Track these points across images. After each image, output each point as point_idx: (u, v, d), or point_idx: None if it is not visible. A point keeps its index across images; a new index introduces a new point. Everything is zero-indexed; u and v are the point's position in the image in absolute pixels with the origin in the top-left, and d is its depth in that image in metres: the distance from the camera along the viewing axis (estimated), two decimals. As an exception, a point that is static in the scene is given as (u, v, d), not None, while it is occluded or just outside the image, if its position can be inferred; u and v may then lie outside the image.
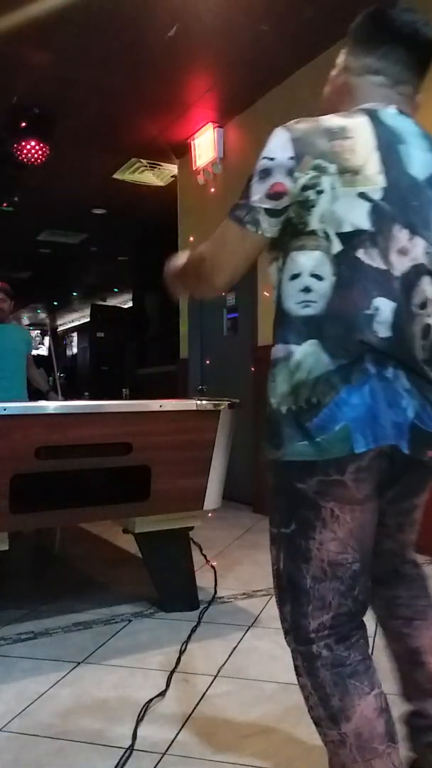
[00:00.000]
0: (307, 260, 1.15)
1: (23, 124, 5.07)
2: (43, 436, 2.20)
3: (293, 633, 1.19)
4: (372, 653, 1.22)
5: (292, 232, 1.16)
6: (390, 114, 1.23)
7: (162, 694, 1.91)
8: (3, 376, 4.22)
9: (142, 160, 6.10)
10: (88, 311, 12.50)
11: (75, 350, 16.32)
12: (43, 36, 4.03)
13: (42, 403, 2.49)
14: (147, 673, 2.06)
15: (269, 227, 1.17)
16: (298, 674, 1.20)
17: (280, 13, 3.86)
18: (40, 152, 5.21)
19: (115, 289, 12.49)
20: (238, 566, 3.22)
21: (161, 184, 6.58)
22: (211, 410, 2.43)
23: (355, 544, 1.17)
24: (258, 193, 1.17)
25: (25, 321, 17.05)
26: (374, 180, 1.14)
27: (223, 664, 2.09)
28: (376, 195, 1.14)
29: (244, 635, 2.37)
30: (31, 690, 1.96)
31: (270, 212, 1.16)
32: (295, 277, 1.16)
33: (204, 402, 2.46)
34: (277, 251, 1.21)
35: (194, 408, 2.43)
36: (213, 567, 3.16)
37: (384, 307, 1.12)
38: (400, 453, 1.12)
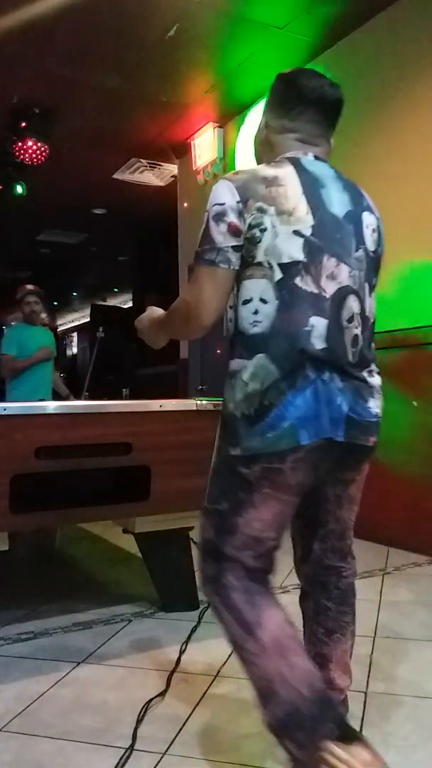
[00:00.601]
0: (256, 287, 1.37)
1: (23, 124, 5.07)
2: (43, 436, 2.20)
3: (210, 584, 1.41)
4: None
5: (244, 264, 1.39)
6: (309, 161, 1.47)
7: (162, 694, 1.91)
8: (32, 377, 4.32)
9: (142, 160, 6.11)
10: (88, 311, 12.50)
11: (75, 350, 16.33)
12: (43, 36, 4.03)
13: (42, 403, 2.49)
14: (147, 673, 2.06)
15: (237, 261, 1.38)
16: (217, 616, 1.39)
17: (281, 13, 3.86)
18: (40, 152, 5.21)
19: (115, 289, 12.49)
20: (238, 566, 3.22)
21: (161, 184, 6.58)
22: (211, 410, 2.43)
23: (276, 525, 1.39)
24: (220, 235, 1.37)
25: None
26: (305, 219, 1.38)
27: (223, 664, 2.09)
28: (307, 231, 1.37)
29: (244, 635, 2.37)
30: (31, 690, 1.96)
31: (236, 248, 1.38)
32: (247, 301, 1.38)
33: (204, 402, 2.45)
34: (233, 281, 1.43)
35: (194, 408, 2.43)
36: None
37: (318, 324, 1.35)
38: (338, 441, 1.35)
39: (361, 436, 1.40)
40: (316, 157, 1.50)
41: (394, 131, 3.82)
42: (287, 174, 1.41)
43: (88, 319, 12.69)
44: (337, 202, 1.45)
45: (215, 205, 1.39)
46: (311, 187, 1.42)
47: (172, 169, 6.20)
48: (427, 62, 3.59)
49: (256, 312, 1.37)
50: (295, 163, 1.45)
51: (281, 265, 1.36)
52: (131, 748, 1.62)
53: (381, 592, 2.89)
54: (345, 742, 1.19)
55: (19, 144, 5.14)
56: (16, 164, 5.32)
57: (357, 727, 1.71)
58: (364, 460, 1.52)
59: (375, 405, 1.45)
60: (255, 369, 1.35)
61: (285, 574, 3.15)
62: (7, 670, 2.11)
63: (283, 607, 1.38)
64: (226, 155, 5.28)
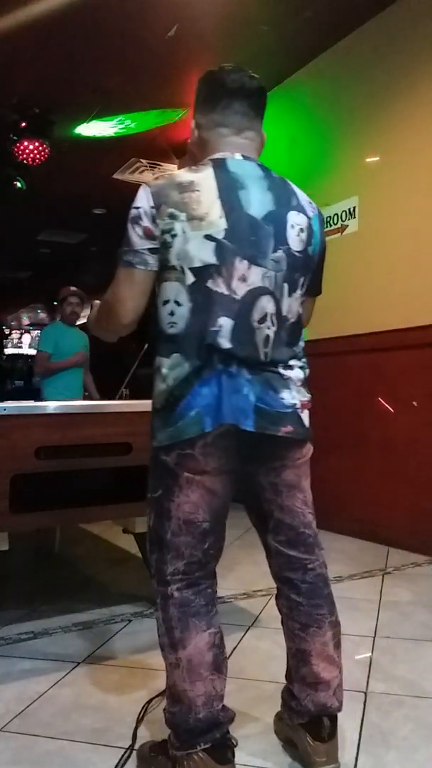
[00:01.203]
0: (171, 289, 1.44)
1: (23, 124, 5.07)
2: (43, 436, 2.20)
3: (156, 576, 1.49)
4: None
5: (161, 267, 1.45)
6: (235, 162, 1.50)
7: (162, 694, 1.89)
8: (64, 378, 4.41)
9: (142, 160, 6.10)
10: (87, 311, 12.49)
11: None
12: (43, 36, 4.03)
13: (42, 403, 2.49)
14: (147, 673, 2.06)
15: (154, 262, 1.45)
16: (155, 609, 1.50)
17: (280, 13, 3.86)
18: (40, 152, 5.21)
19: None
20: (238, 566, 3.22)
21: (161, 184, 6.57)
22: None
23: (205, 507, 1.45)
24: (137, 238, 1.44)
25: (26, 321, 17.06)
26: (217, 224, 1.42)
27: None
28: (220, 235, 1.42)
29: (244, 635, 2.37)
30: (31, 690, 1.96)
31: (152, 250, 1.44)
32: (165, 303, 1.45)
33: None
34: (155, 283, 1.48)
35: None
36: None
37: (226, 324, 1.41)
38: (248, 431, 1.39)
39: (271, 426, 1.43)
40: (245, 157, 1.52)
41: (396, 131, 3.82)
42: (204, 178, 1.45)
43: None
44: (257, 203, 1.47)
45: (133, 208, 1.46)
46: (229, 189, 1.45)
47: (172, 169, 6.20)
48: (427, 62, 3.60)
49: (172, 313, 1.44)
50: (219, 165, 1.48)
51: (193, 269, 1.41)
52: (131, 748, 1.62)
53: (381, 592, 2.89)
54: (216, 761, 1.41)
55: (19, 144, 5.14)
56: (16, 164, 5.31)
57: (357, 728, 1.71)
58: (285, 449, 1.51)
59: (289, 396, 1.47)
60: (171, 366, 1.43)
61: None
62: (7, 670, 2.11)
63: (216, 626, 1.47)
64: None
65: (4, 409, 2.13)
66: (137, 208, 1.45)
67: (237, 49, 4.17)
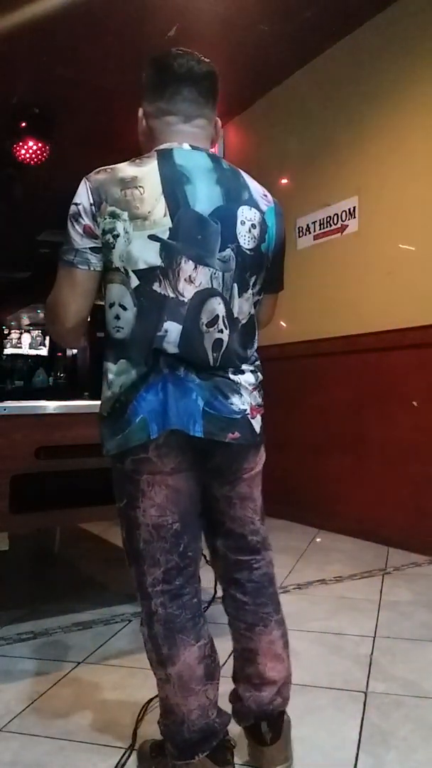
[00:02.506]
0: (116, 292, 1.37)
1: (23, 124, 5.07)
2: (43, 436, 2.20)
3: (138, 590, 1.43)
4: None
5: (105, 268, 1.37)
6: (183, 152, 1.41)
7: (162, 694, 1.90)
8: None
9: (142, 160, 6.10)
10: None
11: (75, 350, 16.32)
12: (43, 36, 4.03)
13: (42, 403, 2.49)
14: (147, 673, 2.04)
15: (98, 262, 1.37)
16: (141, 623, 1.45)
17: (280, 13, 3.86)
18: (40, 152, 5.21)
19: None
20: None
21: (161, 184, 6.57)
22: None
23: (172, 507, 1.39)
24: (77, 236, 1.36)
25: (25, 321, 17.05)
26: (161, 222, 1.33)
27: (223, 664, 2.09)
28: (165, 234, 1.34)
29: (244, 635, 2.37)
30: (31, 690, 1.96)
31: (94, 249, 1.36)
32: (111, 306, 1.39)
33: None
34: (101, 283, 1.41)
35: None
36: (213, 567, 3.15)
37: (172, 329, 1.34)
38: (196, 436, 1.34)
39: (219, 432, 1.36)
40: (194, 147, 1.43)
41: (397, 130, 3.82)
42: (148, 173, 1.36)
43: (88, 319, 12.66)
44: (204, 199, 1.38)
45: (72, 204, 1.37)
46: (174, 184, 1.36)
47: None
48: (427, 61, 3.60)
49: (117, 317, 1.37)
50: (164, 156, 1.40)
51: (137, 272, 1.34)
52: (131, 748, 1.62)
53: (381, 592, 2.89)
54: (216, 763, 1.40)
55: (19, 144, 5.14)
56: (16, 164, 5.31)
57: (357, 727, 1.71)
58: (237, 459, 1.46)
59: (239, 401, 1.40)
60: (117, 372, 1.38)
61: (284, 575, 3.16)
62: (7, 670, 2.11)
63: (205, 636, 1.43)
64: (227, 155, 5.28)
65: (4, 409, 2.13)
66: (76, 204, 1.37)
67: (237, 49, 4.17)
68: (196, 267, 1.36)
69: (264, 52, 4.22)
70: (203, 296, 1.37)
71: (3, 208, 6.67)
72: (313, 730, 1.70)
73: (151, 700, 1.85)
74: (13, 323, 17.14)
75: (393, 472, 3.72)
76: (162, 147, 1.43)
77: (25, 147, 5.15)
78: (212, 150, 1.52)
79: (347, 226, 4.12)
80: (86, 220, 1.35)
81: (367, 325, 3.89)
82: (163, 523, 1.39)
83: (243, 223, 1.42)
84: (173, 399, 1.33)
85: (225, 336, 1.39)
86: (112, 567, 3.34)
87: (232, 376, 1.41)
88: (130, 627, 2.48)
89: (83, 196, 1.37)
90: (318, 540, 3.92)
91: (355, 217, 4.07)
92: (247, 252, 1.42)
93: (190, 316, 1.35)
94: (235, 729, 1.52)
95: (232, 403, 1.39)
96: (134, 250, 1.33)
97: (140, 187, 1.35)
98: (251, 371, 1.46)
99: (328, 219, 4.24)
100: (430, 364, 3.51)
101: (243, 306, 1.43)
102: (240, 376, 1.42)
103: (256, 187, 1.49)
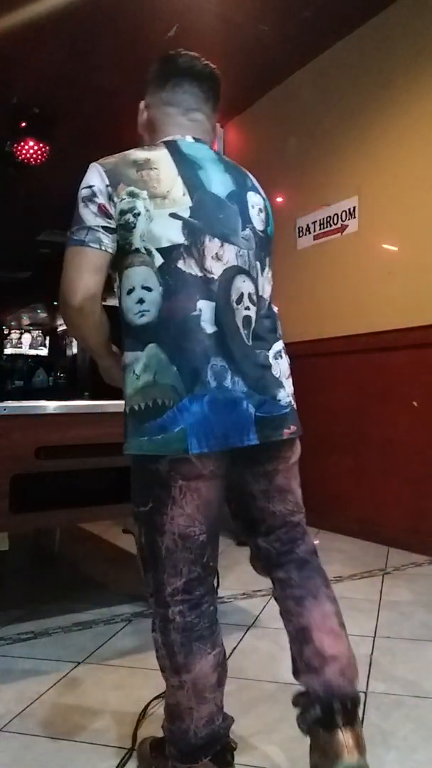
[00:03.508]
0: (137, 275, 1.32)
1: (23, 124, 5.07)
2: (43, 436, 2.20)
3: (155, 596, 1.37)
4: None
5: (122, 253, 1.34)
6: (187, 143, 1.44)
7: (162, 694, 1.90)
8: None
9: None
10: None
11: (75, 350, 16.32)
12: (43, 36, 4.02)
13: (42, 403, 2.49)
14: (147, 673, 2.06)
15: (110, 243, 1.33)
16: (153, 629, 1.39)
17: (280, 13, 3.86)
18: (40, 152, 5.21)
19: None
20: (238, 566, 3.22)
21: (161, 184, 6.57)
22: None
23: (201, 518, 1.34)
24: (90, 215, 1.32)
25: (25, 321, 17.05)
26: (181, 201, 1.34)
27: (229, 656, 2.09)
28: (185, 213, 1.33)
29: (244, 635, 2.37)
30: (31, 690, 1.96)
31: (107, 229, 1.32)
32: (130, 291, 1.34)
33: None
34: (114, 272, 1.38)
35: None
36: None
37: (205, 308, 1.31)
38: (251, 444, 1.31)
39: (275, 432, 1.36)
40: (196, 139, 1.47)
41: (397, 130, 3.82)
42: (161, 157, 1.38)
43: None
44: (218, 183, 1.41)
45: (84, 188, 1.34)
46: (188, 168, 1.38)
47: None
48: (428, 61, 3.60)
49: (141, 301, 1.32)
50: (171, 146, 1.42)
51: (160, 250, 1.31)
52: (131, 748, 1.62)
53: (381, 592, 2.89)
54: (217, 765, 1.38)
55: (19, 144, 5.14)
56: (16, 164, 5.31)
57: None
58: (282, 450, 1.44)
59: (285, 395, 1.40)
60: (147, 360, 1.31)
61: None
62: (7, 670, 2.11)
63: (219, 644, 1.38)
64: (227, 155, 5.28)
65: (4, 409, 2.13)
66: (90, 186, 1.34)
67: (237, 49, 4.17)
68: (222, 245, 1.36)
69: (264, 52, 4.22)
70: (232, 273, 1.36)
71: (3, 208, 6.67)
72: (313, 730, 1.69)
73: (151, 700, 1.85)
74: (13, 323, 17.14)
75: (393, 472, 3.72)
76: (167, 138, 1.45)
77: (25, 147, 5.14)
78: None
79: (347, 226, 4.12)
80: (101, 200, 1.32)
81: (367, 325, 3.89)
82: (191, 534, 1.34)
83: (253, 206, 1.46)
84: (221, 416, 1.29)
85: (252, 313, 1.38)
86: (112, 567, 3.34)
87: (273, 367, 1.40)
88: (130, 627, 2.48)
89: (96, 178, 1.34)
90: (318, 540, 3.92)
91: (355, 217, 4.07)
92: (260, 233, 1.46)
93: (221, 293, 1.34)
94: (235, 728, 1.52)
95: (279, 400, 1.38)
96: (156, 229, 1.32)
97: (155, 168, 1.35)
98: (281, 354, 1.45)
99: (328, 219, 4.24)
100: (430, 364, 3.51)
101: (265, 285, 1.46)
102: (278, 363, 1.42)
103: (254, 178, 1.55)
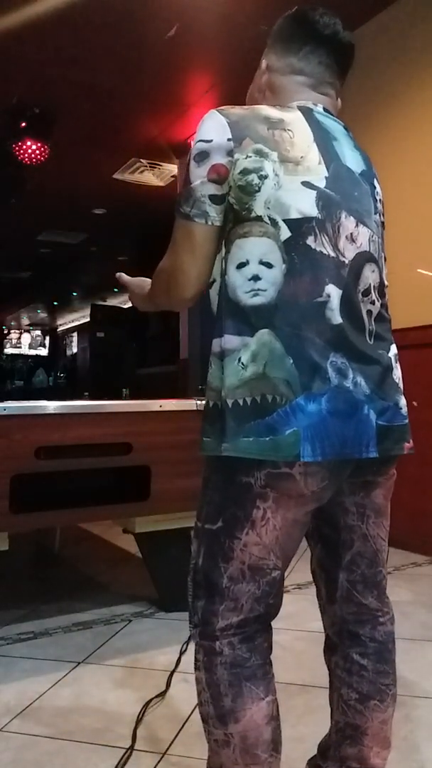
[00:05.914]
0: (254, 247, 1.10)
1: (23, 124, 5.07)
2: (43, 436, 2.20)
3: (201, 627, 1.16)
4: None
5: (235, 219, 1.12)
6: (320, 113, 1.23)
7: (162, 694, 1.90)
8: None
9: (142, 160, 6.11)
10: (88, 311, 12.51)
11: (75, 350, 16.34)
12: (43, 36, 4.03)
13: (42, 403, 2.49)
14: (147, 673, 2.06)
15: (217, 215, 1.13)
16: (196, 667, 1.17)
17: (280, 13, 3.86)
18: (40, 152, 5.21)
19: (115, 290, 12.50)
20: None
21: (161, 184, 6.58)
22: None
23: (278, 552, 1.14)
24: (198, 181, 1.12)
25: (25, 321, 17.06)
26: (316, 170, 1.14)
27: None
28: (321, 183, 1.13)
29: (244, 635, 2.36)
30: (31, 690, 1.96)
31: (214, 198, 1.12)
32: (242, 265, 1.11)
33: (204, 402, 2.45)
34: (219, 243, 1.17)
35: (194, 408, 2.43)
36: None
37: (334, 295, 1.11)
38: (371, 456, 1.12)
39: (396, 446, 1.19)
40: (326, 110, 1.26)
41: (398, 131, 3.82)
42: (295, 119, 1.17)
43: (88, 319, 12.68)
44: (351, 158, 1.22)
45: (199, 141, 1.14)
46: (323, 136, 1.18)
47: (172, 169, 6.20)
48: (429, 61, 3.60)
49: (256, 278, 1.10)
50: (305, 111, 1.21)
51: (288, 222, 1.10)
52: (131, 748, 1.62)
53: (381, 592, 2.88)
54: None
55: (19, 144, 5.14)
56: (16, 164, 5.32)
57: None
58: (390, 464, 1.27)
59: (404, 402, 1.22)
60: (257, 348, 1.08)
61: (285, 574, 3.15)
62: (7, 670, 2.11)
63: (274, 692, 1.17)
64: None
65: (4, 409, 2.13)
66: (206, 141, 1.12)
67: (237, 49, 4.17)
68: (357, 225, 1.16)
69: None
70: (363, 260, 1.16)
71: (3, 208, 6.67)
72: (313, 730, 1.69)
73: (151, 699, 1.85)
74: (13, 323, 17.15)
75: (393, 472, 3.72)
76: (297, 103, 1.23)
77: (25, 147, 5.15)
78: None
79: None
80: (217, 158, 1.11)
81: (367, 325, 3.88)
82: (263, 567, 1.13)
83: (378, 193, 1.28)
84: (340, 419, 1.08)
85: (376, 309, 1.19)
86: (112, 567, 3.34)
87: (395, 371, 1.21)
88: (130, 627, 2.48)
89: (216, 130, 1.13)
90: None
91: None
92: (383, 225, 1.29)
93: (350, 280, 1.13)
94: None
95: (401, 408, 1.21)
96: (284, 197, 1.10)
97: (289, 130, 1.15)
98: (395, 356, 1.24)
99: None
100: (430, 364, 3.51)
101: (385, 279, 1.26)
102: (397, 365, 1.24)
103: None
